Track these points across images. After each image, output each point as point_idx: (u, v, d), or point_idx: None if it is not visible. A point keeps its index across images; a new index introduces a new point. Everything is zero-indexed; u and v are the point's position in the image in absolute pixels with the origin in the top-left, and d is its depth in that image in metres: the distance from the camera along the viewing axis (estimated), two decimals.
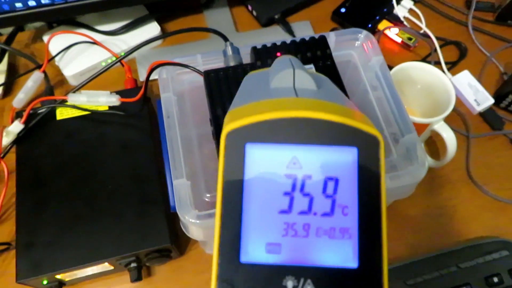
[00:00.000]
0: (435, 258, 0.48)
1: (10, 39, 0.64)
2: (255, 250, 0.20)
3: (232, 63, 0.42)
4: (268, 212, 0.20)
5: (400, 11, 0.67)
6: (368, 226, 0.20)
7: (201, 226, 0.36)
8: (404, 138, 0.40)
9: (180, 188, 0.38)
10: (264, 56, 0.40)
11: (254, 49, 0.41)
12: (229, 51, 0.42)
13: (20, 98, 0.57)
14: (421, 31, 0.65)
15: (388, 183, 0.38)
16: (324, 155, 0.20)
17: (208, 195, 0.39)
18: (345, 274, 0.19)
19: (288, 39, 0.42)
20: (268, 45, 0.41)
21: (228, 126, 0.21)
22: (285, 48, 0.41)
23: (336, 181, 0.20)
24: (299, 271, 0.19)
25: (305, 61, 0.40)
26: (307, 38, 0.42)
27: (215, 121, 0.37)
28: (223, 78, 0.39)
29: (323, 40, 0.41)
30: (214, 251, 0.20)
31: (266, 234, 0.20)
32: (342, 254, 0.20)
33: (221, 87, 0.39)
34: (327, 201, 0.20)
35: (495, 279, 0.46)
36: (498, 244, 0.48)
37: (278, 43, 0.41)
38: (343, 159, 0.20)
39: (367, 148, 0.20)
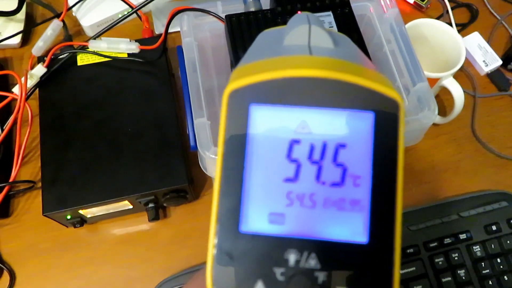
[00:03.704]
0: (437, 207, 0.50)
1: None
2: (256, 220, 0.18)
3: (252, 10, 0.43)
4: (272, 179, 0.19)
5: None
6: (381, 200, 0.18)
7: None
8: (415, 87, 0.42)
9: (200, 126, 0.40)
10: (284, 2, 0.41)
11: None
12: None
13: (39, 46, 0.58)
14: None
15: None
16: (337, 119, 0.19)
17: None
18: (353, 249, 0.18)
19: None
20: None
21: (231, 85, 0.19)
22: None
23: (349, 149, 0.19)
24: (303, 244, 0.18)
25: (323, 8, 0.41)
26: None
27: (237, 63, 0.39)
28: (245, 21, 0.41)
29: None
30: (211, 219, 0.19)
31: (269, 203, 0.19)
32: (351, 228, 0.18)
33: (243, 31, 0.40)
34: (338, 170, 0.19)
35: (494, 227, 0.48)
36: (498, 196, 0.51)
37: None
38: (357, 125, 0.18)
39: (385, 113, 0.18)
